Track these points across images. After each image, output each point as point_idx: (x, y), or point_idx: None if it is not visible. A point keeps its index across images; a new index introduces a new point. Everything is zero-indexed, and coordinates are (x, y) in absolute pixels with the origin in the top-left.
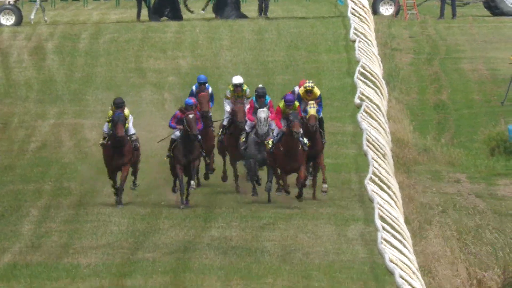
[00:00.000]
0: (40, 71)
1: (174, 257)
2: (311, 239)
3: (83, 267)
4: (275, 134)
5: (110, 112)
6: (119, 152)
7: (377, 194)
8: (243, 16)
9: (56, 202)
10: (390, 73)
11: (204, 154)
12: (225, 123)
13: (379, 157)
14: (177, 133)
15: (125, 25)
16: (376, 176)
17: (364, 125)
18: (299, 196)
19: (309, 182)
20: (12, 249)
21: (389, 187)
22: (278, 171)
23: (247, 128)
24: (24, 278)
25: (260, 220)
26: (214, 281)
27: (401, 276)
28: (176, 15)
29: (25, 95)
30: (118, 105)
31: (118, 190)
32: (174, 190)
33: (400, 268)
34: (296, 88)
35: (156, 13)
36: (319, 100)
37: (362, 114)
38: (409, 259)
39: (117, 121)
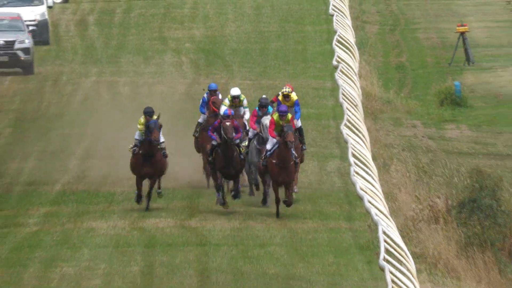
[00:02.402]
0: (83, 39)
1: (190, 186)
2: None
3: (118, 194)
4: (268, 147)
5: (142, 119)
6: (149, 161)
7: (350, 136)
8: None
9: (96, 143)
10: (361, 40)
11: (242, 157)
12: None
13: (352, 107)
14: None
15: (151, 2)
16: (350, 122)
17: (340, 82)
18: (289, 203)
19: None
20: (61, 180)
21: (359, 131)
22: (269, 184)
23: (250, 134)
24: (71, 203)
25: None
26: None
27: (369, 201)
28: None
29: (72, 58)
30: (149, 114)
31: (146, 197)
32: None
33: (368, 194)
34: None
35: None
36: (292, 105)
37: (338, 73)
38: (375, 188)
39: (154, 127)
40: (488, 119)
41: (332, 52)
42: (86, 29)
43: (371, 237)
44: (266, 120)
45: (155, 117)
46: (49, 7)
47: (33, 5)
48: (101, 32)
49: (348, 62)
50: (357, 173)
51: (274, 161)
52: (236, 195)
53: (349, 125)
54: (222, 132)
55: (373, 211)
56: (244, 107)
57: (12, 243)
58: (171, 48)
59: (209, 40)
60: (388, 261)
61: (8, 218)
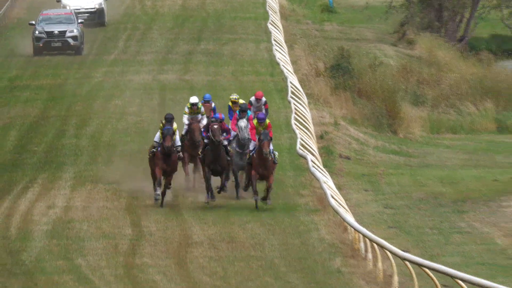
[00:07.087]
0: (153, 10)
1: None
2: (251, 85)
3: (145, 61)
4: (250, 148)
5: (162, 124)
6: (167, 160)
7: (273, 29)
8: None
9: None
10: (283, 17)
11: (229, 158)
12: (183, 133)
13: (273, 13)
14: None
15: None
16: (272, 21)
17: (272, 31)
18: (265, 199)
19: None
20: (113, 52)
21: (277, 26)
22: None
23: (231, 137)
24: (120, 66)
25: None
26: None
27: (282, 65)
28: None
29: (146, 21)
30: (168, 119)
31: (162, 195)
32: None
33: (282, 61)
34: (252, 98)
35: None
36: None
37: (270, 26)
38: (286, 57)
39: (166, 134)
40: (347, 19)
41: (267, 15)
42: (157, 10)
43: (284, 85)
44: (241, 122)
45: (175, 125)
46: None
47: None
48: (158, 11)
49: (277, 25)
50: (276, 49)
51: (255, 156)
52: (221, 190)
53: (272, 23)
54: (210, 134)
55: (285, 70)
56: (202, 114)
57: (88, 87)
58: (190, 19)
59: (208, 14)
60: (292, 97)
61: (85, 74)
